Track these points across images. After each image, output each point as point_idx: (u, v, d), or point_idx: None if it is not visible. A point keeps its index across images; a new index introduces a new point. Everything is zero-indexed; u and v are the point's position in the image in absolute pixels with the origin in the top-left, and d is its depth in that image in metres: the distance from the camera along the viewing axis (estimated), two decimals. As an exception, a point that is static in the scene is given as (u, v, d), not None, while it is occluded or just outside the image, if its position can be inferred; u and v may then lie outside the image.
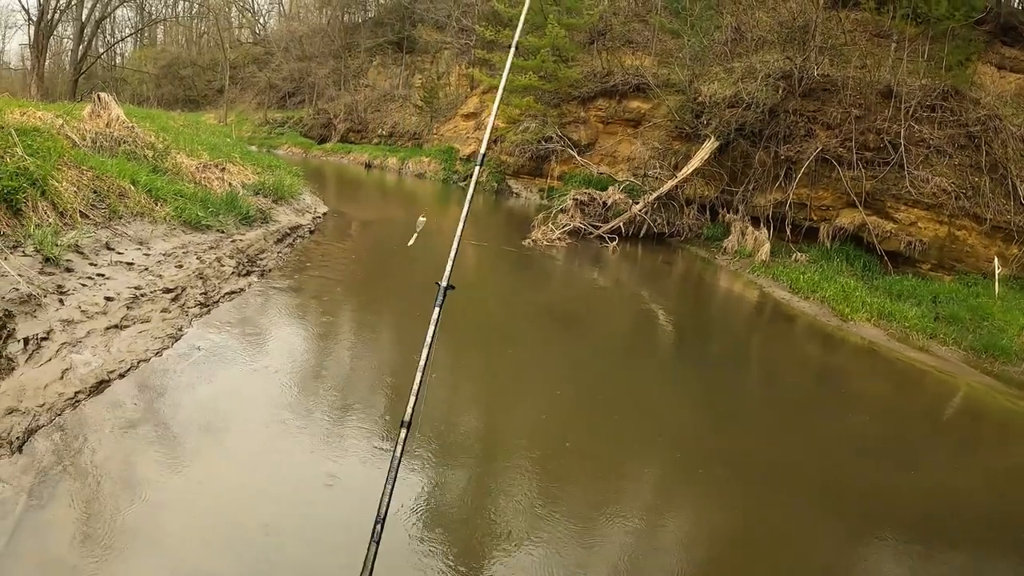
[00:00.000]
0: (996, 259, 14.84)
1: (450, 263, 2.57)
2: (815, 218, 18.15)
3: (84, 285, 7.90)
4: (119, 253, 9.36)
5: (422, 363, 1.76)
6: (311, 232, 15.60)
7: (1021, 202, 15.24)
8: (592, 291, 14.90)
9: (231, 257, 11.18)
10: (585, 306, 13.13)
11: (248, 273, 10.76)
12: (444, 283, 2.33)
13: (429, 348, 1.97)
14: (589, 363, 9.54)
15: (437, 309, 2.19)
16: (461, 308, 11.76)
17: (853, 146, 16.96)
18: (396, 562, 4.63)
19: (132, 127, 14.57)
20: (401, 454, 1.44)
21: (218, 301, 9.19)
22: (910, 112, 16.61)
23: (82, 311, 7.26)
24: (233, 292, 9.72)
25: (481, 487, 5.90)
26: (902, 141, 16.32)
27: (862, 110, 17.36)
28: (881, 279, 15.74)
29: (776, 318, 13.62)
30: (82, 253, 8.71)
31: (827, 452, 7.32)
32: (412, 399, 1.61)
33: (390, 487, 1.40)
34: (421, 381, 1.77)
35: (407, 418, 1.48)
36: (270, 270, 11.39)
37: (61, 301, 7.28)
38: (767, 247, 17.63)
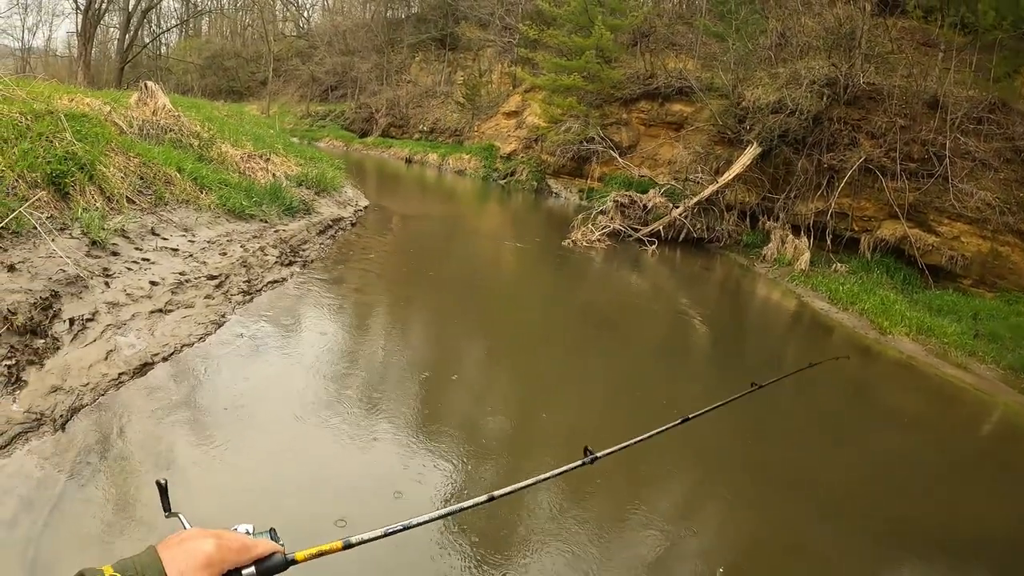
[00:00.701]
0: (1038, 277, 14.56)
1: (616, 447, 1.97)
2: (856, 228, 17.89)
3: (130, 269, 8.09)
4: (164, 239, 9.56)
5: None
6: (352, 225, 15.77)
7: (1067, 220, 14.91)
8: (630, 295, 14.86)
9: (274, 247, 11.35)
10: (622, 310, 13.11)
11: (290, 263, 10.92)
12: (596, 454, 1.70)
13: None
14: (622, 368, 9.53)
15: (569, 467, 1.70)
16: (499, 307, 11.84)
17: (897, 156, 16.70)
18: (424, 553, 4.70)
19: (178, 116, 14.82)
20: (456, 511, 1.40)
21: (261, 290, 9.35)
22: (956, 124, 16.30)
23: (127, 294, 7.42)
24: (275, 281, 9.88)
25: (508, 479, 5.90)
26: (947, 153, 16.02)
27: (907, 120, 17.08)
28: (921, 293, 15.49)
29: (814, 329, 13.48)
30: (128, 238, 8.91)
31: (858, 467, 7.26)
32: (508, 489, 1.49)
33: (431, 518, 1.39)
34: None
35: (496, 494, 1.42)
36: (312, 261, 11.55)
37: (107, 284, 7.45)
38: (807, 256, 17.44)
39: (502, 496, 1.25)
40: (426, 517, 1.40)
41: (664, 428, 1.90)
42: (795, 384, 10.32)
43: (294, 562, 1.24)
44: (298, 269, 10.82)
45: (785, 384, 10.05)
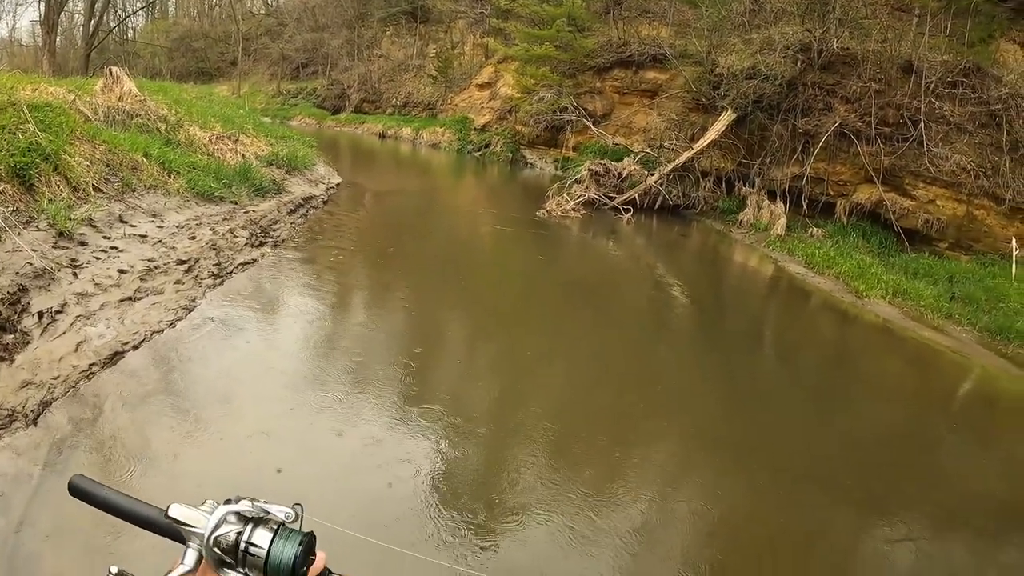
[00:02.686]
0: (1014, 240, 14.60)
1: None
2: (832, 193, 17.95)
3: (98, 258, 7.97)
4: (132, 226, 9.43)
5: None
6: (324, 203, 15.66)
7: (1042, 183, 14.99)
8: (606, 264, 14.90)
9: (244, 228, 11.26)
10: (599, 279, 13.14)
11: (261, 244, 10.84)
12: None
13: None
14: (602, 337, 9.52)
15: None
16: (476, 281, 11.80)
17: (872, 121, 16.72)
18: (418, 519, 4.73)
19: (144, 100, 14.67)
20: None
21: (231, 272, 9.25)
22: (930, 88, 16.30)
23: (96, 284, 7.32)
24: (246, 263, 9.80)
25: (494, 457, 5.95)
26: (922, 117, 16.05)
27: (882, 84, 17.06)
28: (897, 257, 15.60)
29: (791, 293, 13.55)
30: (95, 226, 8.78)
31: (838, 434, 7.29)
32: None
33: None
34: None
35: None
36: (283, 241, 11.47)
37: (75, 275, 7.35)
38: (783, 221, 17.51)
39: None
40: None
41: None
42: (773, 350, 10.42)
43: None
44: (269, 250, 10.73)
45: (764, 350, 10.18)
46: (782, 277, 14.38)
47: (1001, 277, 13.78)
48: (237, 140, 16.41)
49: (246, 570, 1.02)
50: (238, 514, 1.04)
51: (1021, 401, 9.07)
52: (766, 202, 18.58)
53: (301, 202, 14.69)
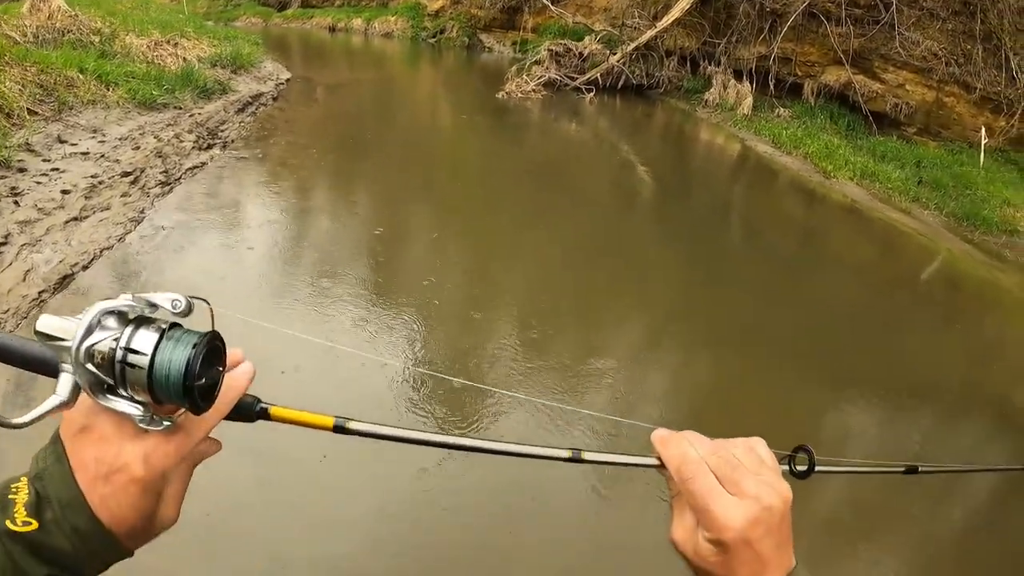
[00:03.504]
0: (983, 129, 14.57)
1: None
2: (800, 74, 17.65)
3: (39, 183, 7.76)
4: (72, 144, 9.18)
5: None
6: (274, 99, 15.32)
7: (1013, 75, 14.79)
8: (570, 146, 14.77)
9: (190, 132, 11.04)
10: (562, 162, 13.04)
11: (209, 146, 10.63)
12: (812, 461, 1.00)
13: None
14: (568, 218, 9.55)
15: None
16: (436, 167, 11.63)
17: (842, 1, 16.28)
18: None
19: (76, 15, 14.27)
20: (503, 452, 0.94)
21: (180, 178, 9.04)
22: (904, -29, 15.87)
23: (39, 209, 7.12)
24: (195, 167, 9.58)
25: (470, 332, 6.06)
26: (894, 0, 15.68)
27: (854, -36, 16.58)
28: (865, 139, 15.59)
29: (758, 172, 13.56)
30: (33, 151, 8.56)
31: (805, 312, 7.39)
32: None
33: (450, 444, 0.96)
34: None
35: (586, 456, 0.93)
36: (232, 141, 11.25)
37: (16, 203, 7.13)
38: (749, 101, 17.29)
39: (590, 461, 0.94)
40: (441, 439, 1.02)
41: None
42: (741, 227, 10.51)
43: (265, 415, 0.88)
44: (218, 151, 10.47)
45: (732, 227, 10.23)
46: (749, 156, 14.35)
47: (969, 165, 13.87)
48: (176, 44, 15.99)
49: (129, 392, 0.73)
50: (118, 314, 0.74)
51: (983, 285, 9.22)
52: (732, 81, 18.26)
53: (249, 100, 14.32)
